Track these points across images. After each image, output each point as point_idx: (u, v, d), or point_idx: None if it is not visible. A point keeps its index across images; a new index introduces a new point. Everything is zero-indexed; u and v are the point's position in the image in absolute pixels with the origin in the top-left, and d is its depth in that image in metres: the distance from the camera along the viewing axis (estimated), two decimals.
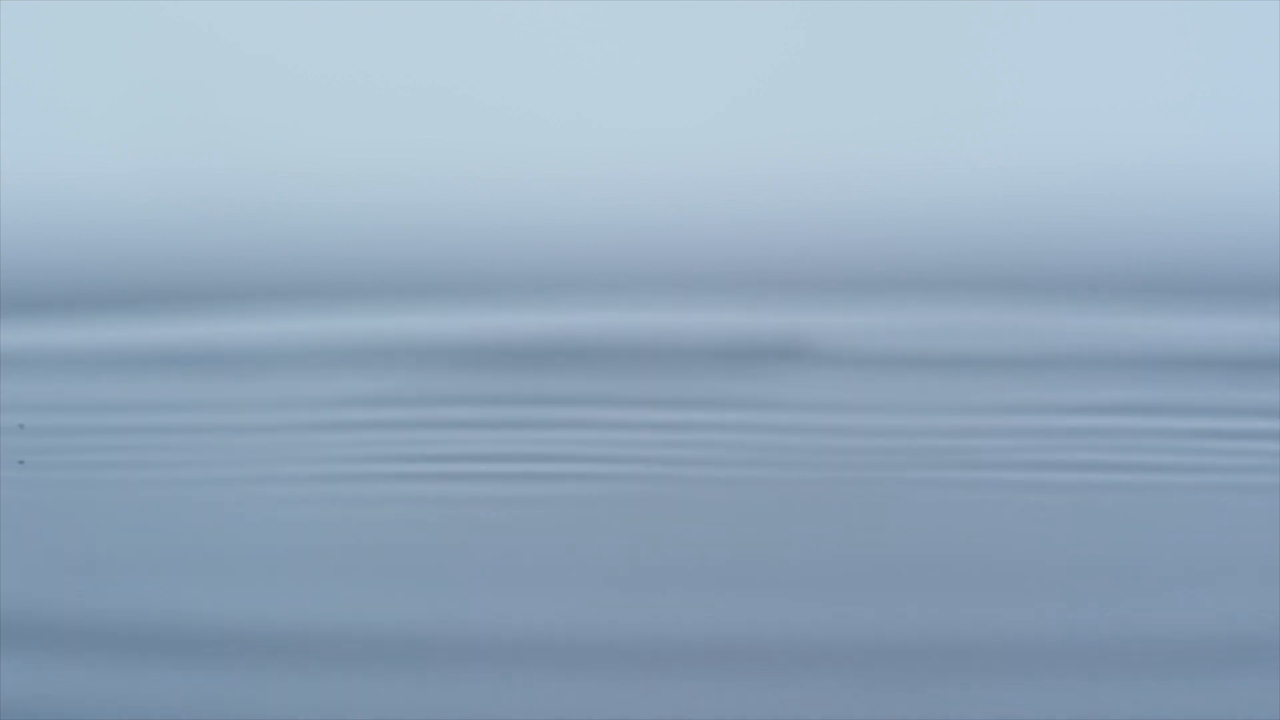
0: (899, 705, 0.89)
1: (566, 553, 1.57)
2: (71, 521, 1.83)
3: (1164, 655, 1.10)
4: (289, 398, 3.88)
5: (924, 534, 1.64)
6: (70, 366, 4.86)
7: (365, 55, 6.20)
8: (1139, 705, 0.93)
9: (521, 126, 6.11)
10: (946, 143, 6.11)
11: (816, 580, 1.36)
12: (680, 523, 1.65)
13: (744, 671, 1.02)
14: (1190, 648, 1.10)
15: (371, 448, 2.87)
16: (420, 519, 1.74)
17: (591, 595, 1.34)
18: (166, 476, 2.35)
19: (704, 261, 5.96)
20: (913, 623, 1.03)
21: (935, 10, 6.09)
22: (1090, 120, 6.21)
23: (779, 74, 6.11)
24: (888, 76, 6.15)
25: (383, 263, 5.97)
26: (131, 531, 1.72)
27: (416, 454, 2.70)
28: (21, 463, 2.40)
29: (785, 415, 3.01)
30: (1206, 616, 1.18)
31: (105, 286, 5.89)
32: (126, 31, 6.06)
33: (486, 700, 0.93)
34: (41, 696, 0.94)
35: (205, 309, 5.79)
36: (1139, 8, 6.05)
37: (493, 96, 6.20)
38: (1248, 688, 0.99)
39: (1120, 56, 6.11)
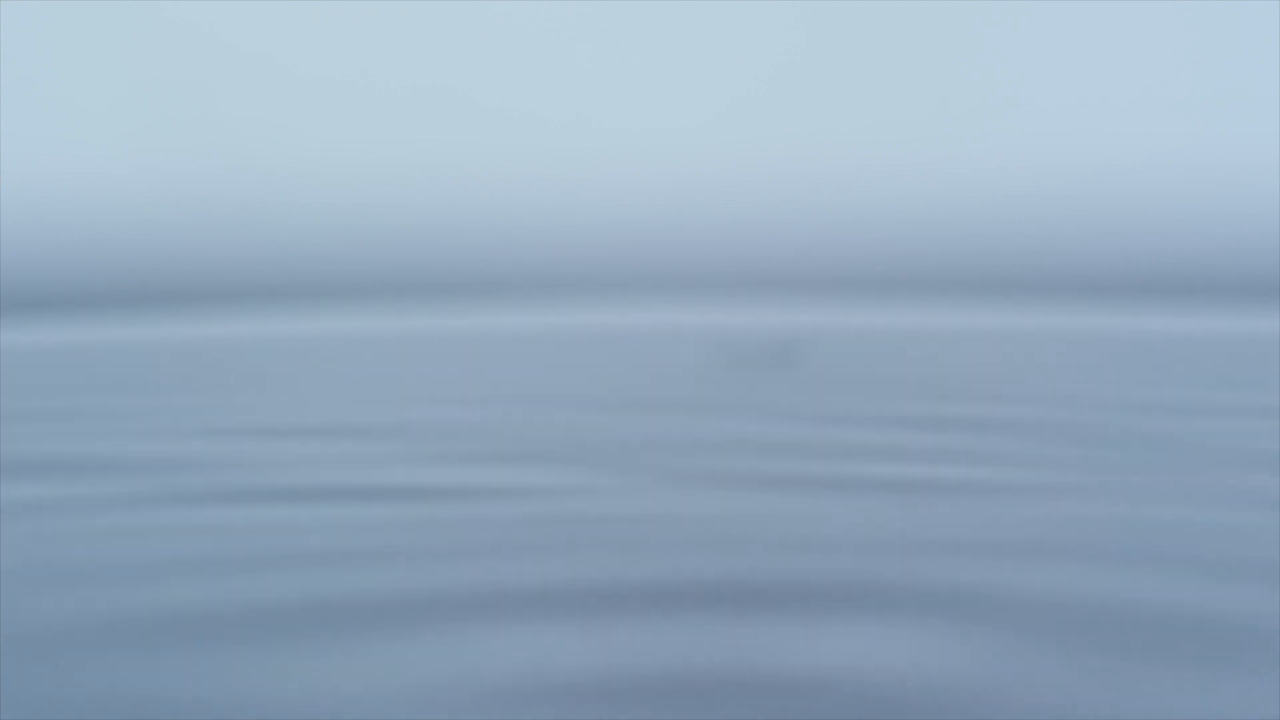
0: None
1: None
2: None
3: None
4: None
5: None
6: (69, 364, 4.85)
7: (365, 55, 6.19)
8: None
9: (521, 126, 6.10)
10: (946, 143, 6.11)
11: None
12: None
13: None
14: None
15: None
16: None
17: None
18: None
19: (704, 261, 5.95)
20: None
21: (935, 11, 6.08)
22: (1090, 120, 6.21)
23: (779, 74, 6.10)
24: (888, 76, 6.15)
25: (382, 262, 5.97)
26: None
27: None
28: None
29: None
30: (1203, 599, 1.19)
31: (105, 286, 5.90)
32: (126, 31, 6.05)
33: None
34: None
35: (205, 309, 5.79)
36: (1139, 8, 6.05)
37: (493, 96, 6.19)
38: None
39: (1120, 56, 6.10)
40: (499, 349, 5.19)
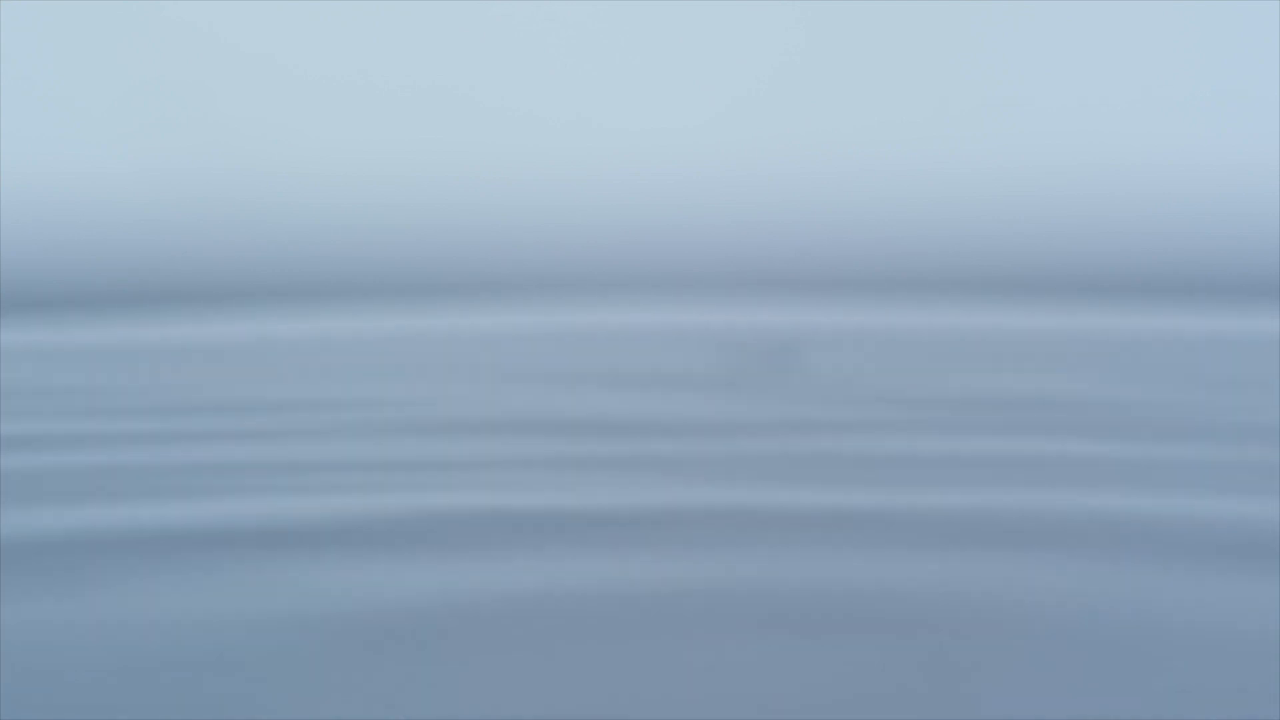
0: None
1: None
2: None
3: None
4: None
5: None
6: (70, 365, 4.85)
7: (365, 55, 6.21)
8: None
9: (521, 126, 6.11)
10: (946, 143, 6.11)
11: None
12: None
13: None
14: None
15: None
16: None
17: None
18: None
19: (704, 261, 5.96)
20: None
21: (935, 10, 6.09)
22: (1090, 120, 6.21)
23: (779, 74, 6.11)
24: (888, 76, 6.16)
25: (382, 263, 5.97)
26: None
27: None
28: None
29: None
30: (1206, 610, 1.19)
31: (105, 286, 5.89)
32: (126, 31, 6.06)
33: None
34: None
35: (205, 309, 5.79)
36: (1139, 8, 6.05)
37: (493, 96, 6.20)
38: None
39: (1120, 56, 6.11)
40: (504, 348, 5.21)
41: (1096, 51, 5.90)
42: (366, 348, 5.38)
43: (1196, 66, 5.86)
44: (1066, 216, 5.90)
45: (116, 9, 5.82)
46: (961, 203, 5.82)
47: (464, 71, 5.99)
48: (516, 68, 5.96)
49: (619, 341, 5.26)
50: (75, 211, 5.90)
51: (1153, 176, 5.83)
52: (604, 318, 5.41)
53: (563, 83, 5.99)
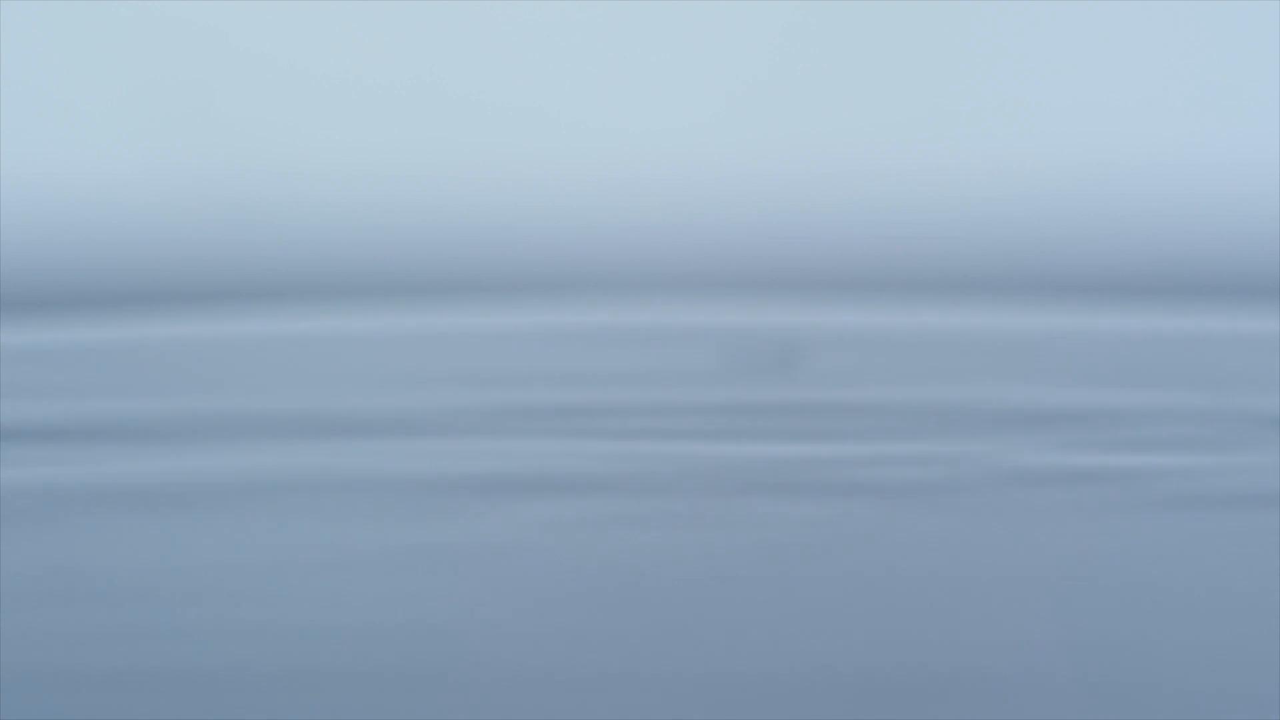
0: None
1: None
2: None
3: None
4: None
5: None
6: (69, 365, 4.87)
7: (365, 55, 6.21)
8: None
9: (521, 126, 6.12)
10: (946, 143, 6.12)
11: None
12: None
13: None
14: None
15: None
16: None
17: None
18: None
19: (703, 261, 5.96)
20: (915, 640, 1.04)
21: (934, 10, 6.09)
22: (1090, 120, 6.22)
23: (778, 73, 6.12)
24: (887, 76, 6.16)
25: (383, 263, 5.98)
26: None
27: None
28: None
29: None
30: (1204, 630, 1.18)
31: (105, 286, 5.90)
32: (126, 31, 6.07)
33: None
34: None
35: (205, 309, 5.80)
36: (1139, 8, 6.05)
37: (493, 96, 6.20)
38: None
39: (1120, 56, 6.11)
40: (503, 348, 5.22)
41: (1096, 51, 5.91)
42: (366, 347, 5.39)
43: (1196, 66, 5.86)
44: (1066, 216, 5.90)
45: (116, 9, 5.82)
46: (962, 203, 5.82)
47: (464, 71, 5.99)
48: (516, 67, 5.96)
49: (619, 341, 5.27)
50: (75, 211, 5.90)
51: (1153, 176, 5.83)
52: (604, 318, 5.43)
53: (562, 83, 5.99)
